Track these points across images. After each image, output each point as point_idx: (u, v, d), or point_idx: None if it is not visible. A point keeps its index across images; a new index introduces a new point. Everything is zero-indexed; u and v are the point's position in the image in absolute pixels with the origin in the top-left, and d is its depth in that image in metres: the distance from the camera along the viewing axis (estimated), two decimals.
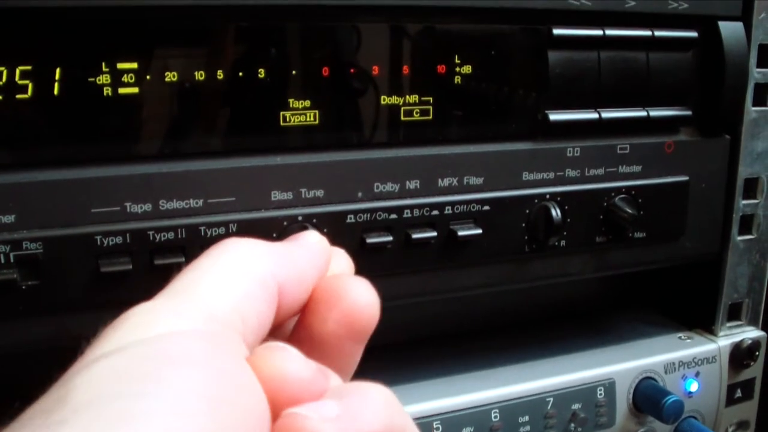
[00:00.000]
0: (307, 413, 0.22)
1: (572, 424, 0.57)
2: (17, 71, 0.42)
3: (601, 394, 0.58)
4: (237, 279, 0.26)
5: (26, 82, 0.43)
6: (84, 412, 0.19)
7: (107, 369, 0.21)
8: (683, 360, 0.62)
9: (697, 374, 0.62)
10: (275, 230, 0.47)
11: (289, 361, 0.24)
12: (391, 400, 0.24)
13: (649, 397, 0.59)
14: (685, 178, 0.59)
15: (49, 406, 0.20)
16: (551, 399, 0.56)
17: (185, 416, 0.20)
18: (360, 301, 0.27)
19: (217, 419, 0.21)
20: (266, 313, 0.26)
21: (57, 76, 0.43)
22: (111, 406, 0.20)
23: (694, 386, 0.62)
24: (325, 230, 0.48)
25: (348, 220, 0.48)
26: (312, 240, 0.31)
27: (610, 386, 0.59)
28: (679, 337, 0.65)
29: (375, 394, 0.24)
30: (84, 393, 0.20)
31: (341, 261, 0.33)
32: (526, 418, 0.55)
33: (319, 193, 0.48)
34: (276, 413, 0.23)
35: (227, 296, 0.25)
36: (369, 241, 0.49)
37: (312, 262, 0.29)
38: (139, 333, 0.23)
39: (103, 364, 0.21)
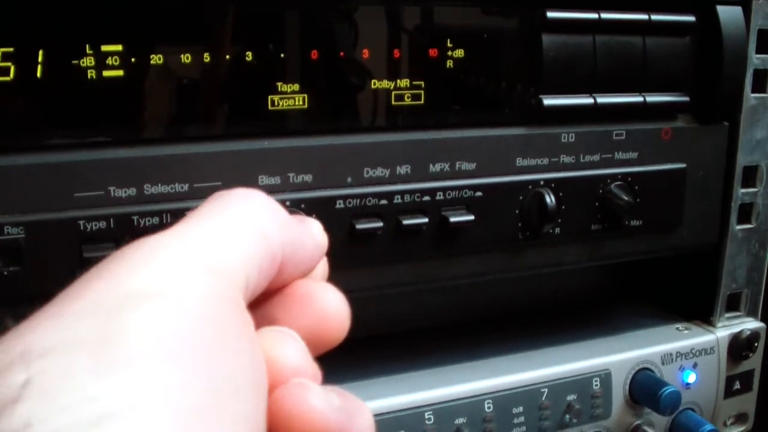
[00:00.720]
0: (315, 388, 0.22)
1: (567, 416, 0.56)
2: None
3: (596, 385, 0.57)
4: (246, 234, 0.25)
5: (8, 64, 0.42)
6: None
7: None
8: (681, 351, 0.61)
9: (695, 365, 0.61)
10: None
11: (291, 347, 0.24)
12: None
13: (645, 388, 0.58)
14: (682, 165, 0.58)
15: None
16: (546, 390, 0.55)
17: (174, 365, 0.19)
18: (331, 308, 0.26)
19: (212, 369, 0.20)
20: (265, 276, 0.25)
21: (40, 59, 0.42)
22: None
23: (691, 377, 0.61)
24: (313, 215, 0.47)
25: (337, 206, 0.47)
26: (316, 230, 0.29)
27: (606, 377, 0.58)
28: (677, 328, 0.64)
29: (368, 410, 0.24)
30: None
31: (321, 265, 0.31)
32: (521, 408, 0.54)
33: (308, 177, 0.47)
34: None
35: (236, 250, 0.24)
36: (358, 227, 0.48)
37: (312, 250, 0.28)
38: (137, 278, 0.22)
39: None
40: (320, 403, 0.22)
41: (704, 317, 0.65)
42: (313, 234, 0.29)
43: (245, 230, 0.25)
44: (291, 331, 0.25)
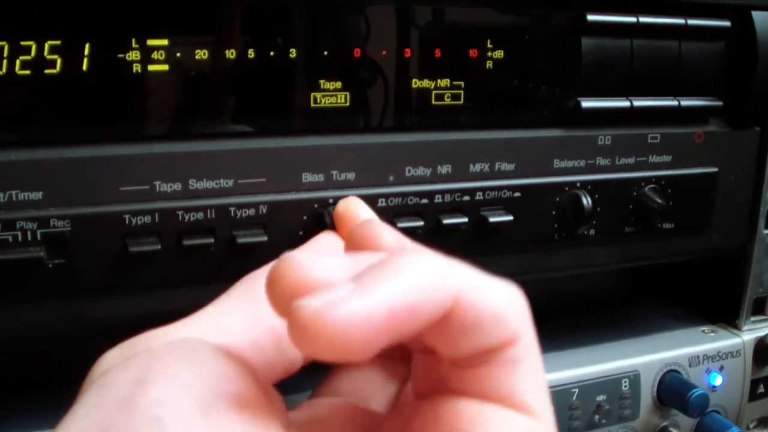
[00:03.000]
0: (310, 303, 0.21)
1: (596, 416, 0.56)
2: (46, 46, 0.41)
3: (626, 386, 0.57)
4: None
5: (55, 57, 0.42)
6: None
7: None
8: (708, 354, 0.61)
9: (721, 368, 0.62)
10: (306, 212, 0.46)
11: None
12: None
13: (673, 390, 0.58)
14: (714, 169, 0.58)
15: None
16: (576, 390, 0.56)
17: None
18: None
19: None
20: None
21: (86, 52, 0.42)
22: None
23: (718, 380, 0.61)
24: None
25: (379, 204, 0.48)
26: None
27: (635, 378, 0.58)
28: (703, 331, 0.64)
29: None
30: None
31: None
32: None
33: (350, 176, 0.47)
34: None
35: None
36: (399, 225, 0.48)
37: None
38: None
39: None
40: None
41: (729, 320, 0.65)
42: None
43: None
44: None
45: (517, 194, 0.51)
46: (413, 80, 0.49)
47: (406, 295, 0.21)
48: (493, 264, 0.53)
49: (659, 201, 0.55)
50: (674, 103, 0.56)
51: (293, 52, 0.46)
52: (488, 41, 0.51)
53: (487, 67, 0.51)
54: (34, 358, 0.55)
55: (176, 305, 0.46)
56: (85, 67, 0.42)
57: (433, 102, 0.50)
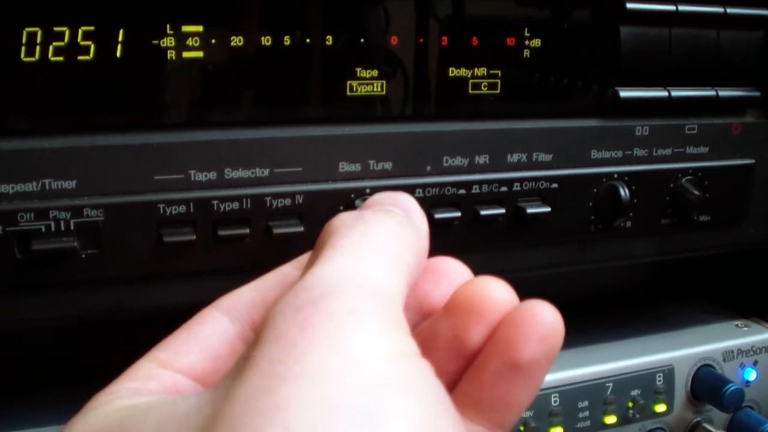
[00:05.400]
0: None
1: (631, 411, 0.56)
2: (80, 32, 0.40)
3: (660, 381, 0.57)
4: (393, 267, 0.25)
5: (88, 43, 0.41)
6: None
7: None
8: (742, 348, 0.60)
9: (755, 363, 0.61)
10: (342, 202, 0.45)
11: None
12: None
13: (708, 384, 0.57)
14: (751, 161, 0.57)
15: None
16: (611, 384, 0.55)
17: None
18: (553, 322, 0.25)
19: None
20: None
21: (120, 38, 0.41)
22: None
23: (752, 375, 0.60)
24: None
25: (416, 195, 0.47)
26: (419, 221, 0.29)
27: (669, 373, 0.57)
28: (736, 325, 0.63)
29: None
30: None
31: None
32: (585, 403, 0.54)
33: (388, 165, 0.46)
34: None
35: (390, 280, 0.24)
36: (437, 216, 0.47)
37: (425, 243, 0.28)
38: None
39: None
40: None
41: (762, 314, 0.64)
42: (420, 231, 0.28)
43: (392, 263, 0.24)
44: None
45: (554, 185, 0.50)
46: (450, 69, 0.48)
47: None
48: (530, 255, 0.53)
49: (696, 193, 0.54)
50: (712, 93, 0.55)
51: (329, 40, 0.45)
52: (525, 30, 0.50)
53: (525, 56, 0.50)
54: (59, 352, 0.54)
55: (211, 296, 0.45)
56: (119, 54, 0.41)
57: (470, 91, 0.49)
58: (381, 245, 0.24)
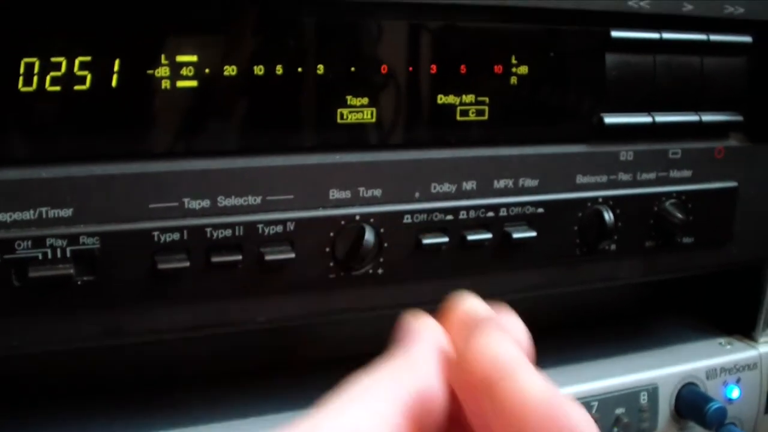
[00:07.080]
0: None
1: (615, 429, 0.57)
2: (76, 62, 0.41)
3: (644, 399, 0.58)
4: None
5: (85, 73, 0.42)
6: None
7: None
8: (725, 366, 0.61)
9: (738, 380, 0.62)
10: (333, 229, 0.46)
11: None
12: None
13: (691, 402, 0.58)
14: (734, 184, 0.59)
15: None
16: (596, 403, 0.56)
17: None
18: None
19: None
20: None
21: (116, 68, 0.42)
22: None
23: (735, 393, 0.62)
24: (382, 230, 0.47)
25: (405, 221, 0.48)
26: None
27: (653, 391, 0.58)
28: (719, 343, 0.64)
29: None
30: None
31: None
32: None
33: (377, 192, 0.47)
34: None
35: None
36: (425, 242, 0.48)
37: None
38: None
39: None
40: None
41: (746, 332, 0.66)
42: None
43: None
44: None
45: (540, 210, 0.52)
46: (438, 96, 0.49)
47: None
48: (516, 279, 0.54)
49: (680, 216, 0.55)
50: (695, 118, 0.56)
51: (320, 69, 0.46)
52: (513, 57, 0.51)
53: (512, 83, 0.51)
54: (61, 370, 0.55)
55: (205, 322, 0.46)
56: (114, 83, 0.42)
57: (458, 118, 0.50)
58: None
